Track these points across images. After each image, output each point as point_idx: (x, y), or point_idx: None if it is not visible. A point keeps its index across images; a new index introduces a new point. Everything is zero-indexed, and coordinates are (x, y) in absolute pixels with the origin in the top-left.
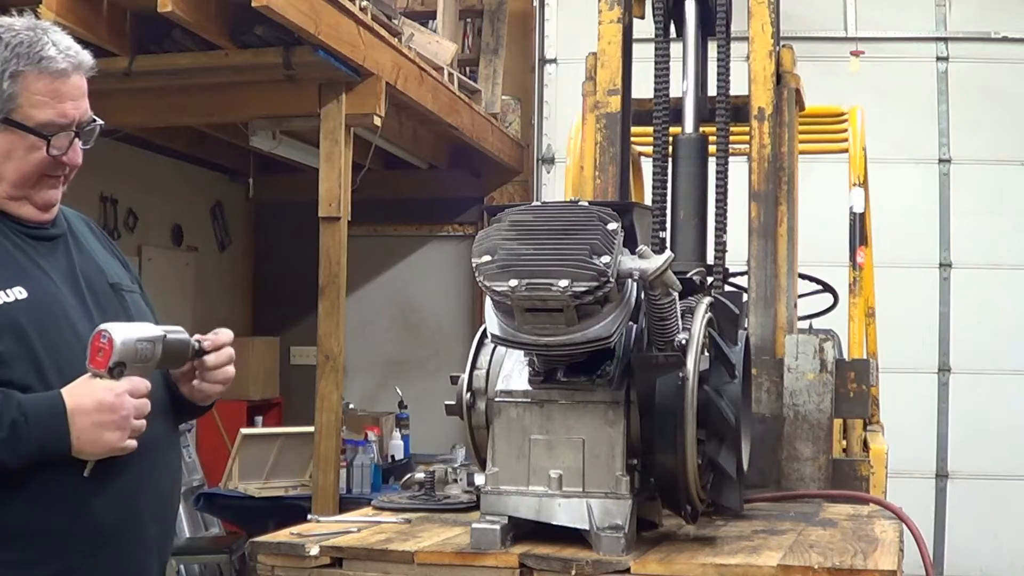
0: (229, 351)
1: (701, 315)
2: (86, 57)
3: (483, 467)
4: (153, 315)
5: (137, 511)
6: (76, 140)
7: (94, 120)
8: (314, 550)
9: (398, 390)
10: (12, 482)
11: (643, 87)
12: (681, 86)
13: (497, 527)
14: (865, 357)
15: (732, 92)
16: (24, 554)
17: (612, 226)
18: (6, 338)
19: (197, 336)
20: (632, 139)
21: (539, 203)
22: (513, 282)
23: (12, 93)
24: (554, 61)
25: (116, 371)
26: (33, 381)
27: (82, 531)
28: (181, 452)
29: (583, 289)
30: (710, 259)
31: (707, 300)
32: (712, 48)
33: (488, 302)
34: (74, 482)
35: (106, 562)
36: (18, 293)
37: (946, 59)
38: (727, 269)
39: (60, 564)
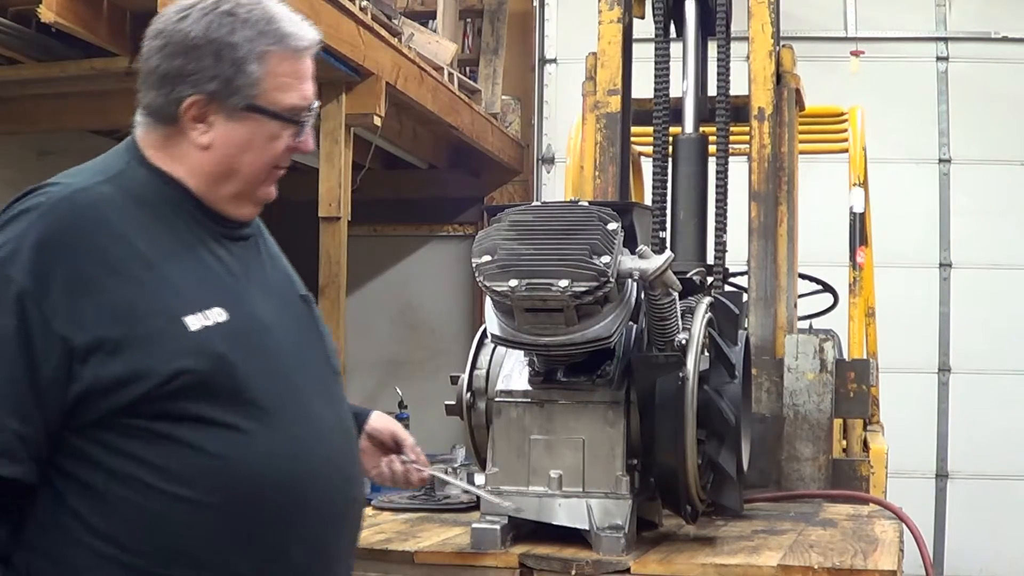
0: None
1: (701, 315)
2: (316, 32)
3: (483, 467)
4: None
5: (329, 555)
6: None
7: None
8: None
9: (398, 390)
10: (208, 507)
11: (643, 87)
12: (681, 86)
13: (497, 527)
14: (865, 357)
15: (732, 92)
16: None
17: (612, 226)
18: (203, 369)
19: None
20: (632, 139)
21: (539, 203)
22: (513, 282)
23: (259, 76)
24: (554, 61)
25: None
26: (234, 417)
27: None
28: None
29: (583, 289)
30: (710, 259)
31: (707, 300)
32: (712, 48)
33: (488, 302)
34: (265, 521)
35: None
36: (217, 315)
37: (946, 59)
38: (727, 269)
39: None
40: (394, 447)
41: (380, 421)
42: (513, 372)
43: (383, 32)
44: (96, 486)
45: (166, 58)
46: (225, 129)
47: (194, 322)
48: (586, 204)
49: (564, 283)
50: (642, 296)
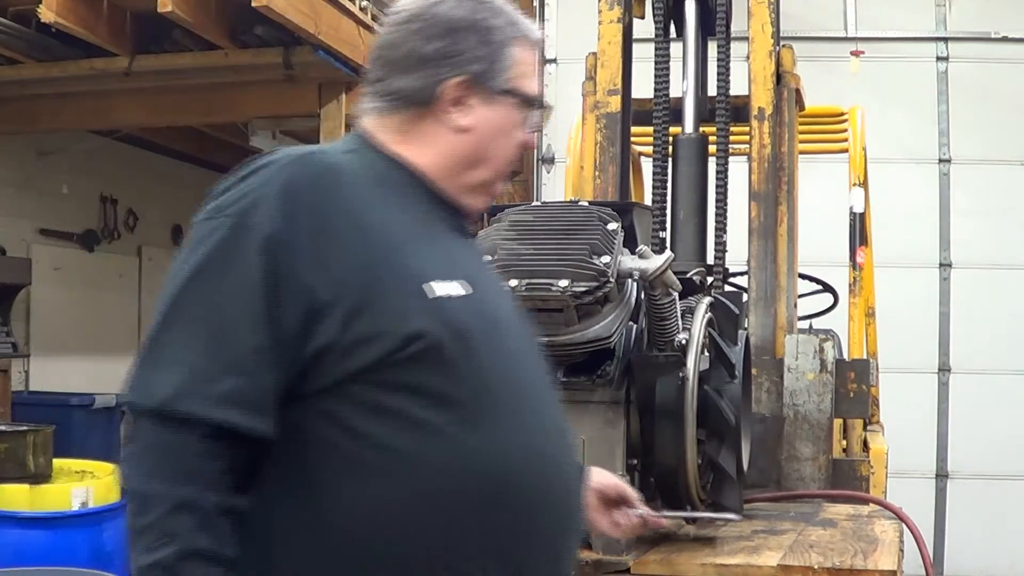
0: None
1: (701, 315)
2: None
3: None
4: None
5: (560, 565)
6: None
7: None
8: None
9: None
10: (438, 495)
11: (643, 87)
12: (681, 86)
13: None
14: (865, 357)
15: (732, 92)
16: None
17: (612, 226)
18: (441, 336)
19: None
20: (632, 139)
21: (539, 203)
22: (513, 282)
23: (513, 62)
24: (554, 61)
25: None
26: (469, 397)
27: None
28: None
29: (583, 289)
30: (710, 259)
31: (707, 300)
32: (712, 48)
33: None
34: (500, 516)
35: None
36: (458, 288)
37: (946, 59)
38: (727, 269)
39: None
40: (618, 500)
41: (604, 477)
42: None
43: None
44: (309, 463)
45: (426, 40)
46: (483, 112)
47: (436, 288)
48: (586, 204)
49: (564, 283)
50: (642, 296)
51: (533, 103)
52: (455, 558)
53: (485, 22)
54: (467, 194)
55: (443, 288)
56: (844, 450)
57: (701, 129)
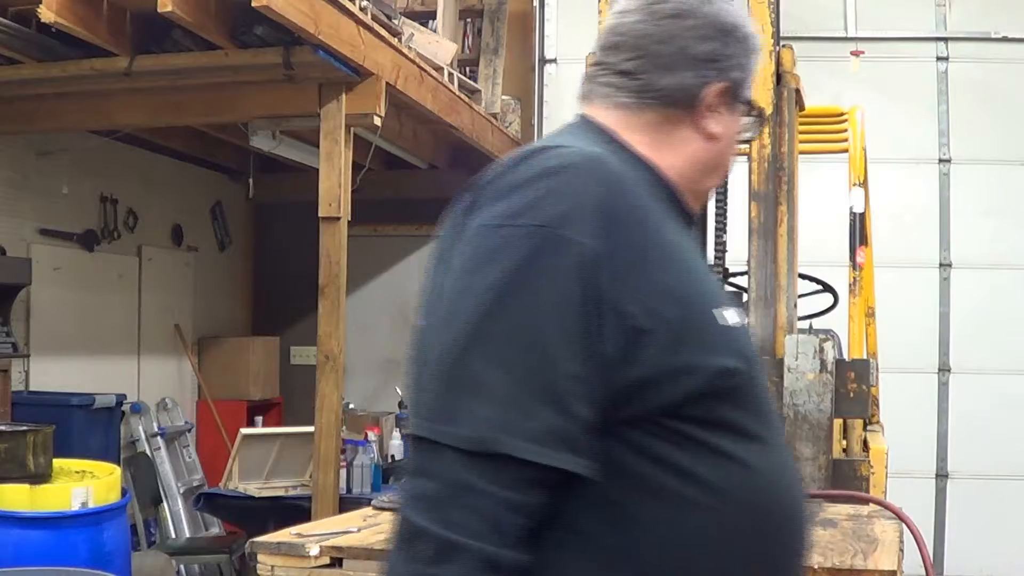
0: None
1: None
2: None
3: None
4: None
5: None
6: None
7: None
8: (314, 550)
9: (398, 390)
10: (746, 528)
11: None
12: None
13: None
14: (865, 357)
15: None
16: None
17: None
18: (742, 369)
19: None
20: None
21: None
22: None
23: (754, 73)
24: (554, 61)
25: None
26: (758, 427)
27: None
28: None
29: None
30: (710, 259)
31: None
32: None
33: None
34: (782, 544)
35: None
36: (736, 315)
37: (946, 59)
38: (727, 269)
39: None
40: None
41: None
42: None
43: (383, 32)
44: (615, 498)
45: (699, 39)
46: (727, 120)
47: (727, 317)
48: None
49: None
50: None
51: (760, 116)
52: None
53: (745, 29)
54: (697, 199)
55: (730, 316)
56: (844, 450)
57: None
